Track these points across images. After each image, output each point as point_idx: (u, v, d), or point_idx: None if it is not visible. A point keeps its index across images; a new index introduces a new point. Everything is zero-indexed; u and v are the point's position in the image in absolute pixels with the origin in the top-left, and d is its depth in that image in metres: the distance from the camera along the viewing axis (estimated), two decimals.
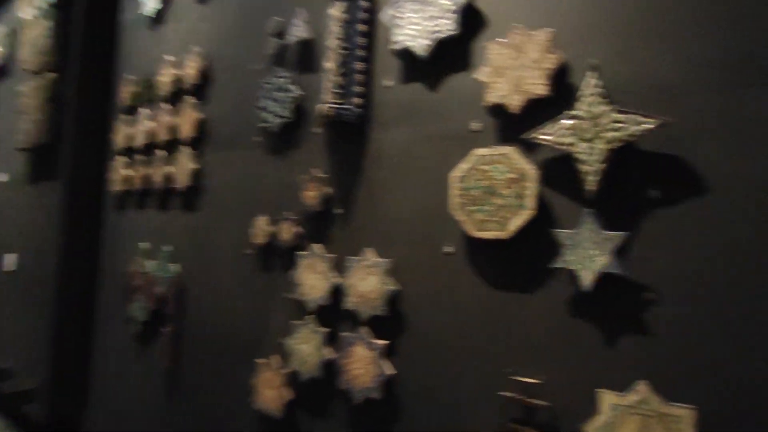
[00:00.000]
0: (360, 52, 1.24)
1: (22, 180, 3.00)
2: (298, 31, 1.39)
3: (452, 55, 1.08)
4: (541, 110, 0.92)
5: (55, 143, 2.60)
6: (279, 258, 1.38)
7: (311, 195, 1.28)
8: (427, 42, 1.09)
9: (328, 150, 1.30)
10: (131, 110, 2.09)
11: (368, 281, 1.13)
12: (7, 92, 3.35)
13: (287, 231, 1.33)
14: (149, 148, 1.94)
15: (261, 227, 1.41)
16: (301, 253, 1.30)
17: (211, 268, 1.63)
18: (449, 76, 1.09)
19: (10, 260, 3.03)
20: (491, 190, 0.97)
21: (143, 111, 1.99)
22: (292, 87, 1.38)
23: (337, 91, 1.22)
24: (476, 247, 1.01)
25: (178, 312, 1.70)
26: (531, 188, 0.92)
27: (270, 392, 1.30)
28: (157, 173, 1.84)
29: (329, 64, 1.25)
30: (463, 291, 1.02)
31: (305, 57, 1.40)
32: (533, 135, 0.92)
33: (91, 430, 2.20)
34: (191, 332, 1.67)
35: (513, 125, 0.97)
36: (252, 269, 1.46)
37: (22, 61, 3.02)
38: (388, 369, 1.09)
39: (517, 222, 0.93)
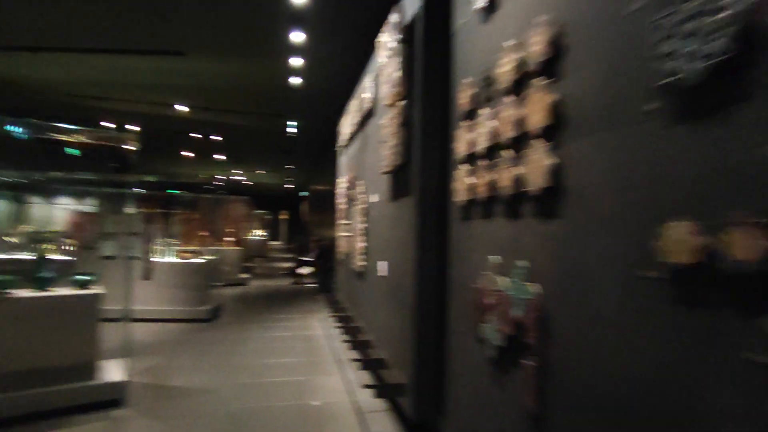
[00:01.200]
0: None
1: (388, 199, 3.51)
2: None
3: None
4: None
5: (408, 163, 2.86)
6: (725, 288, 0.83)
7: None
8: None
9: None
10: (471, 115, 1.98)
11: None
12: (374, 128, 4.07)
13: (746, 244, 0.77)
14: (493, 151, 1.74)
15: (682, 237, 0.89)
16: None
17: (582, 293, 1.23)
18: None
19: (383, 267, 3.59)
20: None
21: (483, 112, 1.82)
22: (727, 2, 0.82)
23: None
24: None
25: (541, 343, 1.38)
26: None
27: None
28: (504, 177, 1.60)
29: None
30: None
31: None
32: None
33: None
34: (560, 372, 1.31)
35: None
36: (662, 302, 0.96)
37: (381, 99, 3.56)
38: None
39: None
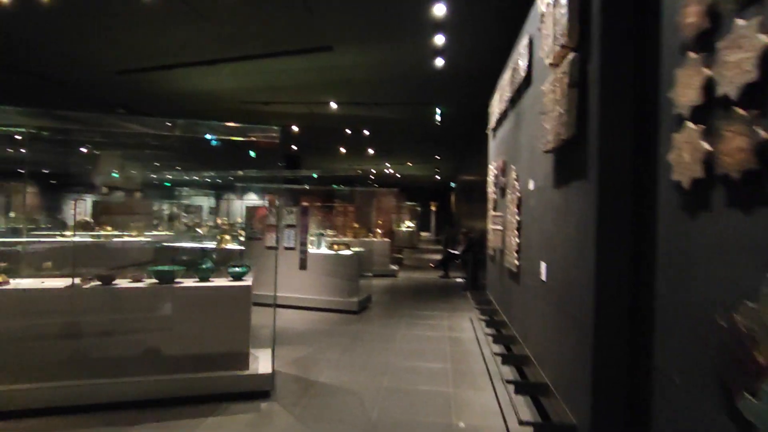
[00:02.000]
0: None
1: (550, 184, 2.81)
2: None
3: None
4: None
5: (581, 135, 2.15)
6: None
7: None
8: None
9: None
10: (706, 40, 1.22)
11: None
12: (531, 100, 3.36)
13: None
14: (754, 91, 1.00)
15: None
16: None
17: None
18: None
19: (543, 269, 2.90)
20: None
21: (739, 25, 1.07)
22: None
23: None
24: None
25: None
26: None
27: None
28: None
29: None
30: None
31: None
32: None
33: None
34: None
35: None
36: None
37: (542, 59, 2.85)
38: None
39: None
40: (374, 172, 20.04)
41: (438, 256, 13.61)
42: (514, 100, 4.14)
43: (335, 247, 6.41)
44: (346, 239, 9.54)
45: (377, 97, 8.47)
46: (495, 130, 5.61)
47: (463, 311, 6.51)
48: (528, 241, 3.44)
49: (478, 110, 8.08)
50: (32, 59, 6.67)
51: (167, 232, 6.51)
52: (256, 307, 3.43)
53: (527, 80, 3.45)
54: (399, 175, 21.92)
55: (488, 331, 4.63)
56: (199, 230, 7.09)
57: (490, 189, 5.65)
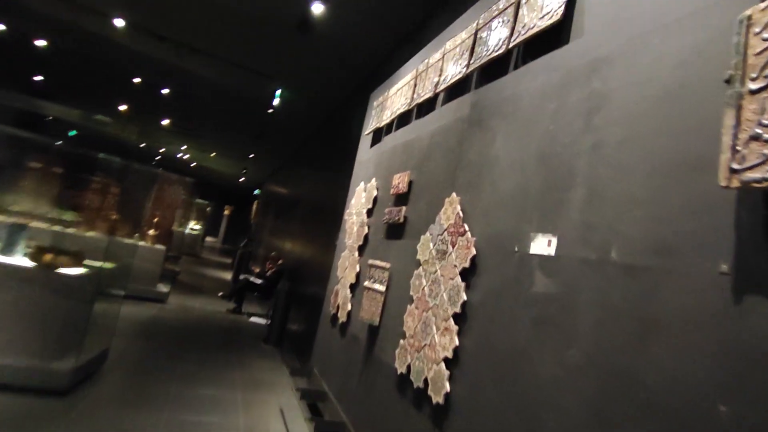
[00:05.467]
0: None
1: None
2: None
3: None
4: None
5: None
6: None
7: None
8: None
9: None
10: None
11: None
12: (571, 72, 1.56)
13: None
14: None
15: None
16: None
17: None
18: None
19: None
20: None
21: None
22: None
23: None
24: None
25: None
26: None
27: None
28: None
29: None
30: None
31: None
32: None
33: None
34: None
35: None
36: None
37: None
38: None
39: None
40: (162, 149, 15.69)
41: (225, 273, 10.73)
42: (484, 77, 2.36)
43: (46, 258, 3.28)
44: (91, 234, 5.98)
45: (192, 34, 5.62)
46: (383, 133, 3.72)
47: (267, 386, 4.18)
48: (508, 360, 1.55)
49: (342, 103, 6.13)
50: None
51: None
52: None
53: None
54: (193, 164, 17.92)
55: None
56: None
57: (356, 218, 3.68)
